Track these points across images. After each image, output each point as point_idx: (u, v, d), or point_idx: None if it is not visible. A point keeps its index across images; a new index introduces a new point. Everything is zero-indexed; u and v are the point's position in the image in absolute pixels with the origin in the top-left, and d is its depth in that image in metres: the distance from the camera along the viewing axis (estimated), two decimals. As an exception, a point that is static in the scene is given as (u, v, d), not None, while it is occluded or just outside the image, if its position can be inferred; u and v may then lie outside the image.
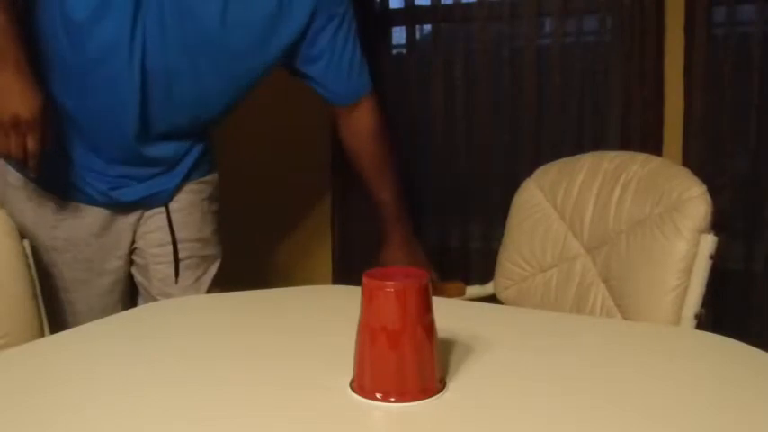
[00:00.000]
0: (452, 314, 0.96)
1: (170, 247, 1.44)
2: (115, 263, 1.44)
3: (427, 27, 2.68)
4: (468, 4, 2.53)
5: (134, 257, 1.47)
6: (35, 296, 1.19)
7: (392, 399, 0.70)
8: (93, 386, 0.76)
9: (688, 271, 1.35)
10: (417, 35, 2.67)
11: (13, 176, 1.36)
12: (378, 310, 0.70)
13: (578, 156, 1.72)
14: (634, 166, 1.56)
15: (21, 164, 1.18)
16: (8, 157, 1.17)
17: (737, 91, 2.25)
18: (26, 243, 1.21)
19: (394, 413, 0.69)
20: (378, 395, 0.70)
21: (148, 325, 0.99)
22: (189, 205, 1.48)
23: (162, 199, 1.44)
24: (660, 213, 1.43)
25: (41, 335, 1.18)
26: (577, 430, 0.65)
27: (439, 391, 0.72)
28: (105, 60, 1.25)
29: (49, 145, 1.18)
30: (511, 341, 0.88)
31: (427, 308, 0.71)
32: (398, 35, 2.70)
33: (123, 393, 0.74)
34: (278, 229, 2.43)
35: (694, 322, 1.26)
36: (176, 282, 1.45)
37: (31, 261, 1.21)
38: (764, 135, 2.25)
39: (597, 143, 2.44)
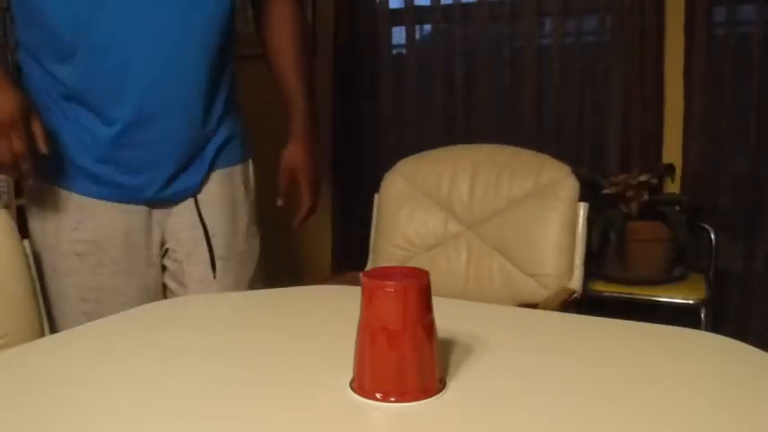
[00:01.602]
0: (452, 314, 0.96)
1: (204, 245, 1.38)
2: (145, 266, 1.35)
3: (427, 27, 2.68)
4: (468, 4, 2.53)
5: (165, 262, 1.39)
6: (35, 296, 1.19)
7: (392, 399, 0.70)
8: (94, 386, 0.76)
9: (573, 231, 1.74)
10: (417, 35, 2.67)
11: (38, 185, 1.32)
12: (378, 310, 0.70)
13: (437, 149, 1.99)
14: (501, 155, 1.90)
15: (14, 171, 1.14)
16: (2, 165, 1.13)
17: (737, 91, 2.25)
18: (26, 243, 1.21)
19: (394, 413, 0.69)
20: (378, 395, 0.70)
21: (148, 324, 0.99)
22: (219, 196, 1.40)
23: (191, 187, 1.37)
24: (540, 190, 1.78)
25: (41, 335, 1.18)
26: (577, 430, 0.65)
27: (439, 391, 0.72)
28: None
29: (42, 145, 1.15)
30: (511, 341, 0.88)
31: (427, 308, 0.71)
32: (398, 35, 2.70)
33: (123, 393, 0.74)
34: (278, 229, 2.43)
35: (582, 269, 1.72)
36: (214, 276, 1.38)
37: (31, 261, 1.21)
38: (764, 135, 2.25)
39: (597, 143, 2.44)
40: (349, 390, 0.73)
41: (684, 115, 2.34)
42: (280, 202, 1.48)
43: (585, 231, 1.74)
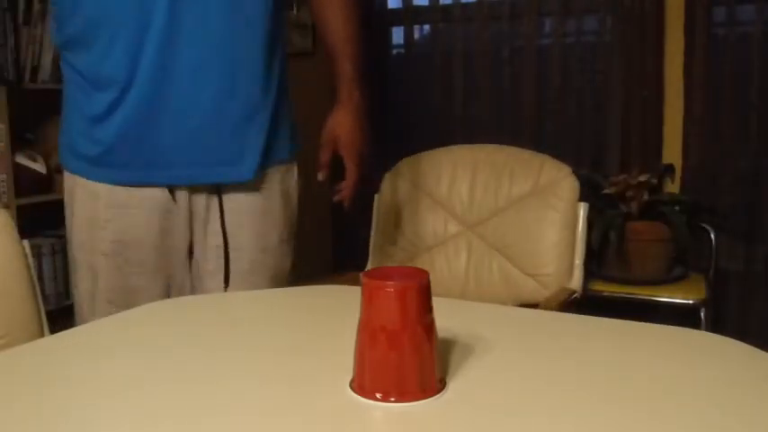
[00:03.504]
0: (452, 314, 0.96)
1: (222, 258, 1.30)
2: (172, 266, 1.31)
3: (426, 27, 2.68)
4: (467, 4, 2.53)
5: (194, 265, 1.34)
6: (35, 296, 1.19)
7: (392, 399, 0.70)
8: (94, 386, 0.76)
9: (573, 231, 1.75)
10: (416, 35, 2.67)
11: (70, 179, 1.30)
12: (378, 310, 0.70)
13: (438, 150, 1.99)
14: (501, 155, 1.90)
15: None
16: None
17: (737, 91, 2.26)
18: (26, 243, 1.21)
19: (394, 413, 0.69)
20: (378, 395, 0.70)
21: (148, 325, 0.99)
22: (252, 206, 1.32)
23: (231, 178, 1.29)
24: (540, 190, 1.79)
25: (41, 335, 1.18)
26: (577, 430, 0.65)
27: (439, 391, 0.72)
28: None
29: None
30: (511, 341, 0.88)
31: (427, 308, 0.71)
32: (398, 35, 2.70)
33: (123, 393, 0.74)
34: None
35: (582, 269, 1.73)
36: (225, 290, 1.32)
37: (31, 261, 1.21)
38: (764, 135, 2.25)
39: (597, 143, 2.44)
40: (349, 390, 0.73)
41: (684, 115, 2.34)
42: (321, 176, 1.38)
43: (585, 231, 1.75)
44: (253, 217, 1.32)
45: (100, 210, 1.27)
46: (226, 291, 1.32)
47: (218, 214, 1.31)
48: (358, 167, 1.39)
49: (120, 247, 1.27)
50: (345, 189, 1.39)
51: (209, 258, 1.32)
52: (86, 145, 1.28)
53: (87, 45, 1.23)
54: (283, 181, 1.37)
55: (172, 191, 1.28)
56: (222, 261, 1.32)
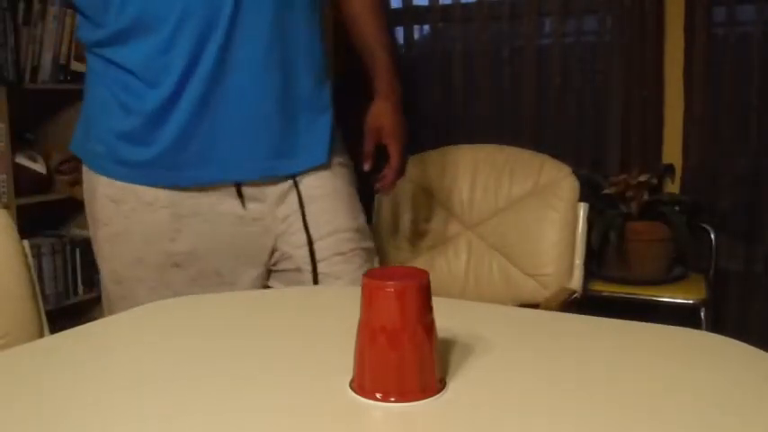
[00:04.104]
0: (452, 314, 0.96)
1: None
2: (251, 272, 1.26)
3: (426, 27, 2.68)
4: (467, 4, 2.54)
5: (275, 267, 1.29)
6: (35, 296, 1.19)
7: (392, 399, 0.70)
8: (94, 386, 0.76)
9: (572, 231, 1.76)
10: (416, 35, 2.67)
11: (112, 188, 1.21)
12: (378, 310, 0.70)
13: (437, 150, 1.99)
14: (501, 155, 1.91)
15: None
16: None
17: (737, 91, 2.26)
18: (26, 243, 1.21)
19: (394, 413, 0.69)
20: (378, 395, 0.70)
21: (148, 325, 0.99)
22: (333, 190, 1.29)
23: (305, 164, 1.25)
24: (540, 190, 1.79)
25: (41, 335, 1.18)
26: (577, 430, 0.65)
27: (439, 391, 0.72)
28: None
29: None
30: (511, 341, 0.88)
31: (427, 308, 0.71)
32: (398, 35, 2.70)
33: (123, 393, 0.74)
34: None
35: (582, 269, 1.75)
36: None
37: (31, 261, 1.21)
38: (764, 135, 2.25)
39: (597, 143, 2.44)
40: (349, 390, 0.73)
41: (684, 115, 2.34)
42: (367, 166, 1.37)
43: (585, 231, 1.75)
44: (339, 200, 1.30)
45: (164, 219, 1.21)
46: (316, 284, 1.28)
47: (296, 206, 1.26)
48: (401, 157, 1.39)
49: (193, 258, 1.22)
50: (389, 176, 1.39)
51: (296, 255, 1.27)
52: (135, 149, 1.19)
53: (142, 39, 1.15)
54: (349, 167, 1.36)
55: (240, 191, 1.23)
56: (309, 257, 1.27)
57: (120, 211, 1.22)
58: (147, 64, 1.16)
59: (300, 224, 1.26)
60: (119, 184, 1.22)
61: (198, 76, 1.15)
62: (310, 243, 1.26)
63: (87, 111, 1.26)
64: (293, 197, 1.26)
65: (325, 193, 1.28)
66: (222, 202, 1.22)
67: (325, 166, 1.29)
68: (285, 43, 1.21)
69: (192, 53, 1.14)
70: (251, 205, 1.24)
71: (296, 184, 1.26)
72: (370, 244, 1.35)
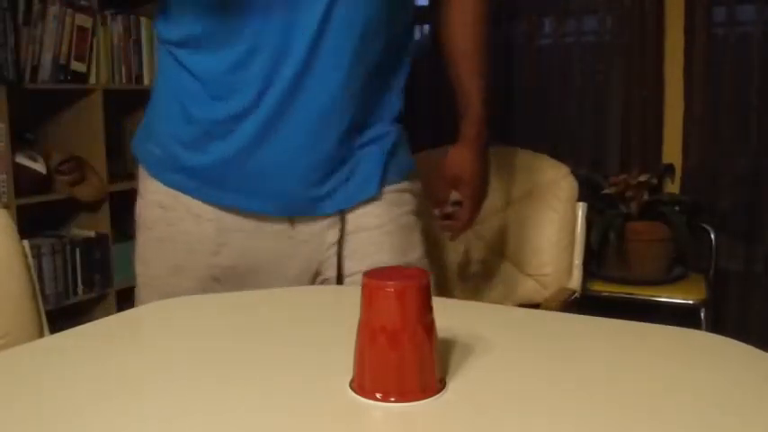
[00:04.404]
0: (452, 314, 0.96)
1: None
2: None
3: (426, 27, 2.68)
4: (468, 4, 2.54)
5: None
6: (35, 296, 1.19)
7: (392, 399, 0.70)
8: (94, 386, 0.76)
9: (572, 231, 1.75)
10: (417, 35, 2.67)
11: (162, 194, 1.18)
12: (378, 310, 0.70)
13: (437, 149, 1.92)
14: (501, 155, 1.88)
15: None
16: None
17: (737, 91, 2.26)
18: (26, 243, 1.21)
19: (394, 413, 0.69)
20: (378, 395, 0.70)
21: (148, 325, 0.99)
22: (383, 222, 1.20)
23: (346, 199, 1.19)
24: (539, 190, 1.78)
25: (41, 335, 1.18)
26: (577, 430, 0.65)
27: (439, 391, 0.72)
28: None
29: None
30: (511, 341, 0.88)
31: (427, 308, 0.71)
32: (398, 35, 2.70)
33: (123, 394, 0.74)
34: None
35: (581, 269, 1.73)
36: None
37: (31, 261, 1.21)
38: (764, 135, 2.25)
39: (597, 143, 2.44)
40: (349, 390, 0.73)
41: (684, 115, 2.34)
42: (437, 212, 1.32)
43: (584, 231, 1.75)
44: (387, 233, 1.21)
45: (209, 232, 1.17)
46: None
47: (337, 237, 1.20)
48: (474, 211, 1.32)
49: (233, 274, 1.19)
50: (457, 225, 1.32)
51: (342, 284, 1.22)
52: (191, 157, 1.16)
53: (215, 50, 1.11)
54: (413, 191, 1.27)
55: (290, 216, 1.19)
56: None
57: (166, 218, 1.20)
58: (217, 78, 1.12)
59: (335, 258, 1.20)
60: (170, 191, 1.19)
61: (266, 101, 1.10)
62: (339, 278, 1.21)
63: (151, 111, 1.23)
64: (338, 227, 1.20)
65: (373, 226, 1.20)
66: (271, 221, 1.18)
67: (377, 196, 1.21)
68: (364, 80, 1.15)
69: (265, 77, 1.09)
70: (300, 226, 1.19)
71: (342, 214, 1.20)
72: None
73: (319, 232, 1.19)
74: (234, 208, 1.17)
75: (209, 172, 1.15)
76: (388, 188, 1.22)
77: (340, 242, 1.19)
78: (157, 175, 1.20)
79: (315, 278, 1.22)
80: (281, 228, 1.18)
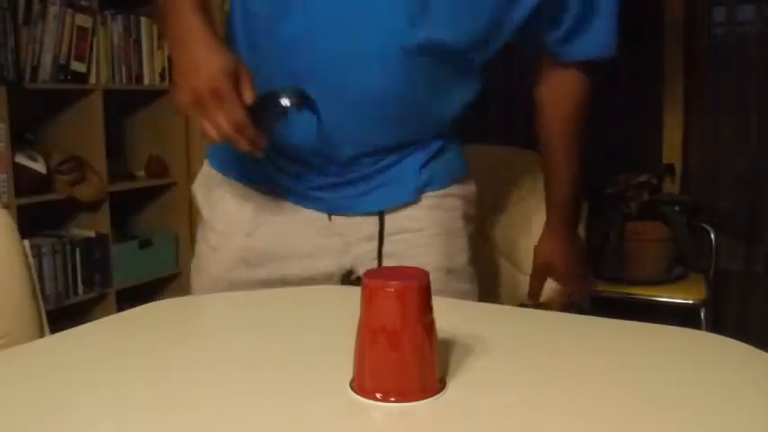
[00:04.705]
0: (452, 314, 0.96)
1: None
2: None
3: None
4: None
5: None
6: (35, 296, 1.19)
7: (392, 399, 0.70)
8: (94, 386, 0.76)
9: None
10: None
11: (210, 176, 1.22)
12: (378, 310, 0.70)
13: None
14: (501, 155, 1.87)
15: (240, 141, 0.96)
16: (227, 138, 0.95)
17: (737, 91, 2.26)
18: (26, 243, 1.21)
19: (394, 413, 0.69)
20: (378, 395, 0.70)
21: (148, 325, 0.99)
22: (425, 225, 1.18)
23: (385, 202, 1.18)
24: (540, 190, 1.65)
25: (41, 335, 1.18)
26: (577, 430, 0.65)
27: (439, 391, 0.72)
28: None
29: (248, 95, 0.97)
30: (511, 341, 0.88)
31: (427, 308, 0.71)
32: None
33: (123, 394, 0.74)
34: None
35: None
36: None
37: (31, 261, 1.20)
38: (764, 135, 2.25)
39: (597, 143, 2.44)
40: (349, 390, 0.73)
41: (684, 115, 2.34)
42: (529, 302, 1.30)
43: (585, 231, 1.74)
44: (428, 236, 1.19)
45: (246, 213, 1.18)
46: None
47: (376, 236, 1.18)
48: (574, 286, 1.34)
49: (264, 259, 1.18)
50: (554, 304, 1.33)
51: None
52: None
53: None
54: (463, 196, 1.25)
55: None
56: None
57: (210, 198, 1.24)
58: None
59: (375, 257, 1.18)
60: (215, 173, 1.23)
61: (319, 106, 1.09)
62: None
63: None
64: (375, 225, 1.18)
65: (415, 228, 1.19)
66: (309, 209, 1.19)
67: (418, 200, 1.19)
68: (426, 98, 1.13)
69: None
70: (337, 218, 1.19)
71: (381, 215, 1.19)
72: (464, 286, 1.21)
73: (355, 226, 1.19)
74: (275, 190, 1.19)
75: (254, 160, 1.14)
76: (431, 193, 1.20)
77: (380, 243, 1.18)
78: (209, 155, 1.26)
79: (348, 277, 1.21)
80: (317, 216, 1.19)
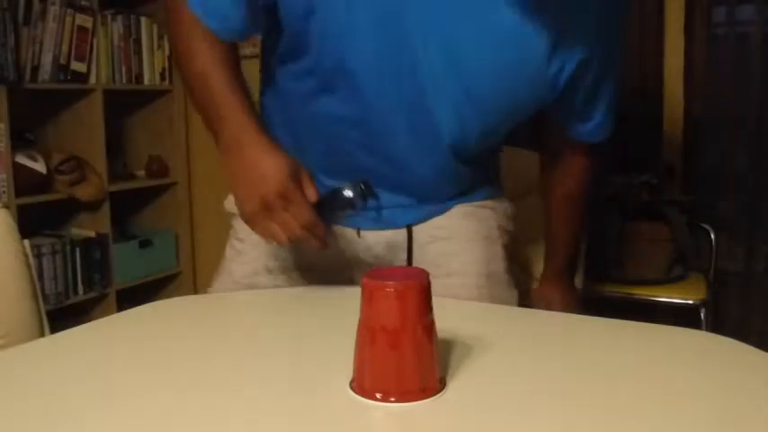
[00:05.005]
0: (452, 314, 0.96)
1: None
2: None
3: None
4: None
5: None
6: (35, 296, 1.19)
7: (392, 399, 0.70)
8: (94, 386, 0.76)
9: None
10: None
11: None
12: (378, 310, 0.70)
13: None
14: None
15: (310, 241, 0.98)
16: (298, 239, 0.96)
17: (737, 91, 2.25)
18: (26, 243, 1.21)
19: (394, 413, 0.69)
20: (378, 395, 0.70)
21: (149, 325, 0.99)
22: (454, 233, 1.18)
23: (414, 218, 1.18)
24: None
25: (41, 335, 1.18)
26: (577, 430, 0.65)
27: (439, 391, 0.72)
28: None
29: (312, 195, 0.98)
30: (511, 341, 0.88)
31: (427, 308, 0.71)
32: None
33: (123, 394, 0.74)
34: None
35: (582, 269, 1.67)
36: None
37: (31, 261, 1.20)
38: (764, 135, 2.25)
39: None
40: (349, 390, 0.73)
41: (684, 115, 2.34)
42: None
43: (585, 231, 1.74)
44: (468, 242, 1.19)
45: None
46: None
47: (405, 247, 1.18)
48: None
49: (285, 268, 1.18)
50: None
51: None
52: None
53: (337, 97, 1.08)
54: (494, 208, 1.25)
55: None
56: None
57: None
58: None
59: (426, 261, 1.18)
60: None
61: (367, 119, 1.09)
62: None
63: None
64: (404, 236, 1.18)
65: (443, 236, 1.18)
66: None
67: (451, 211, 1.20)
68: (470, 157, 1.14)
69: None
70: (366, 234, 1.18)
71: (410, 226, 1.18)
72: (504, 293, 1.20)
73: (384, 238, 1.18)
74: None
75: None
76: (463, 205, 1.21)
77: (409, 253, 1.18)
78: None
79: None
80: (347, 231, 1.17)
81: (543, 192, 1.36)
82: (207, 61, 1.01)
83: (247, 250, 1.20)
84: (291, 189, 0.95)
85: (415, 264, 1.18)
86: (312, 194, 0.97)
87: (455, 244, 1.18)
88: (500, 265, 1.21)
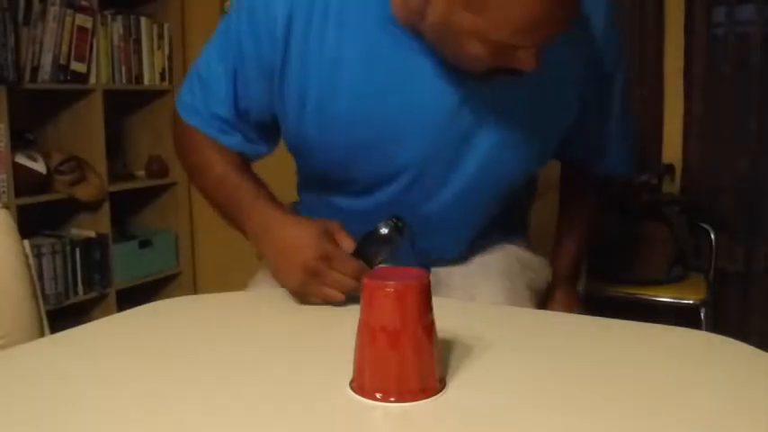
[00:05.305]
0: (452, 314, 0.96)
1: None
2: None
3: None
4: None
5: None
6: (35, 296, 1.19)
7: (392, 399, 0.70)
8: (94, 387, 0.76)
9: None
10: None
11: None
12: (378, 310, 0.70)
13: None
14: None
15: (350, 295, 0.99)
16: (352, 292, 0.97)
17: (737, 91, 2.25)
18: (26, 243, 1.21)
19: (394, 413, 0.69)
20: (378, 395, 0.70)
21: (149, 325, 0.99)
22: (483, 252, 1.23)
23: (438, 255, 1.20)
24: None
25: (41, 335, 1.18)
26: (577, 430, 0.65)
27: (439, 391, 0.72)
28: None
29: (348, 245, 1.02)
30: (511, 341, 0.88)
31: (427, 308, 0.71)
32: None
33: (123, 394, 0.74)
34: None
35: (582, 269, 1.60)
36: None
37: (31, 261, 1.20)
38: (764, 135, 2.25)
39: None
40: (349, 390, 0.73)
41: (684, 115, 2.34)
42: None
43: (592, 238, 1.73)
44: (489, 261, 1.23)
45: None
46: None
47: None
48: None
49: None
50: None
51: None
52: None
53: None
54: (509, 241, 1.29)
55: None
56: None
57: None
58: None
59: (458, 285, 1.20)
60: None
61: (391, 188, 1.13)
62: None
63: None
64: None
65: (464, 261, 1.22)
66: None
67: (458, 258, 1.23)
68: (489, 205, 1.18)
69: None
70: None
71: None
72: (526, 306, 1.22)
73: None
74: None
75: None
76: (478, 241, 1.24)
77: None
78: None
79: None
80: None
81: (558, 206, 1.43)
82: (220, 168, 1.10)
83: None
84: (328, 248, 0.98)
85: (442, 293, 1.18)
86: (349, 245, 1.00)
87: (475, 267, 1.21)
88: (521, 280, 1.22)
